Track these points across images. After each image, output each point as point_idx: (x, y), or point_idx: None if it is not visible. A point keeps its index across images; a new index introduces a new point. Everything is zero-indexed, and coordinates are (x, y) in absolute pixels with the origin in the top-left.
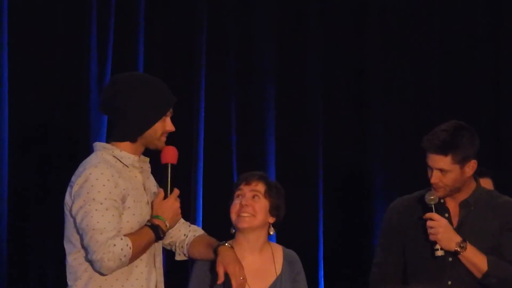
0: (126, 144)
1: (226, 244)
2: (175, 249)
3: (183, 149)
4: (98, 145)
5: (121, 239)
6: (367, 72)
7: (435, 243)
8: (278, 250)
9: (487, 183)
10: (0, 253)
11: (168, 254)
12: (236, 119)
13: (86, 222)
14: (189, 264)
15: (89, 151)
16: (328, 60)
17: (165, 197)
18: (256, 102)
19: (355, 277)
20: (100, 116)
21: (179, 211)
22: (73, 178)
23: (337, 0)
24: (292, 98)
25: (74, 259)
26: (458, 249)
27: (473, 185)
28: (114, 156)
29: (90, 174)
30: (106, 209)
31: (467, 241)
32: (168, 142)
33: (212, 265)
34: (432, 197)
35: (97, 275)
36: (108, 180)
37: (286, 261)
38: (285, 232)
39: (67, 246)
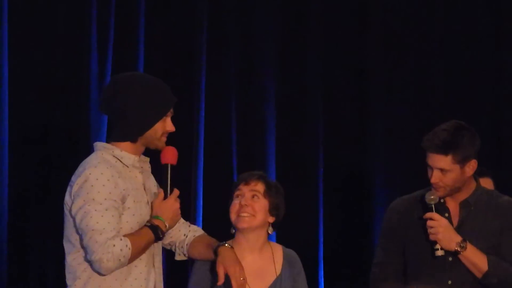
0: (127, 144)
1: (226, 244)
2: (175, 249)
3: (183, 149)
4: (98, 145)
5: (121, 239)
6: (367, 72)
7: (435, 243)
8: (278, 250)
9: (487, 183)
10: (0, 253)
11: (168, 254)
12: (236, 119)
13: (85, 222)
14: (189, 264)
15: (89, 151)
16: (328, 60)
17: (165, 197)
18: (256, 102)
19: (355, 277)
20: (100, 116)
21: (179, 211)
22: (73, 178)
23: (337, 0)
24: (292, 98)
25: (73, 259)
26: (458, 249)
27: (473, 185)
28: (114, 156)
29: (90, 174)
30: (106, 210)
31: (467, 241)
32: (168, 142)
33: (212, 265)
34: (432, 197)
35: (96, 275)
36: (108, 180)
37: (286, 261)
38: (285, 232)
39: (66, 246)
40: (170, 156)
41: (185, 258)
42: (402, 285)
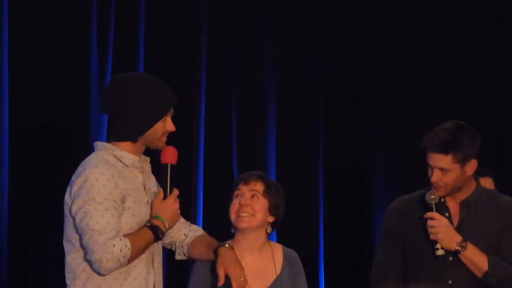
0: (127, 144)
1: (226, 245)
2: (175, 249)
3: (183, 149)
4: (98, 144)
5: (120, 239)
6: (367, 72)
7: (435, 242)
8: (278, 250)
9: (488, 182)
10: (0, 253)
11: (168, 254)
12: (236, 119)
13: (85, 222)
14: (189, 264)
15: (89, 151)
16: (328, 60)
17: (165, 197)
18: (256, 102)
19: (355, 277)
20: (100, 116)
21: (179, 211)
22: (73, 178)
23: (337, 0)
24: (292, 98)
25: (73, 259)
26: (459, 249)
27: (473, 184)
28: (114, 156)
29: (90, 174)
30: (106, 210)
31: (468, 241)
32: (168, 142)
33: (212, 265)
34: (432, 197)
35: (95, 275)
36: (108, 180)
37: (286, 260)
38: (285, 232)
39: (66, 245)
40: (170, 156)
41: (185, 258)
42: (402, 285)
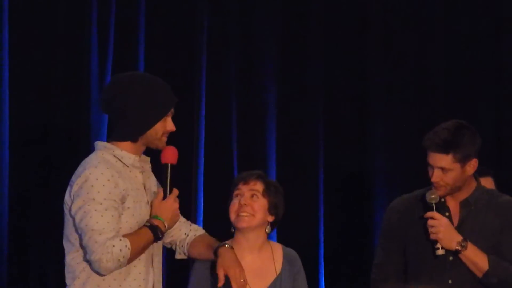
0: (127, 143)
1: (226, 245)
2: (175, 248)
3: (183, 149)
4: (99, 144)
5: (120, 240)
6: (367, 72)
7: (435, 242)
8: (278, 249)
9: (488, 182)
10: (0, 253)
11: (168, 254)
12: (236, 119)
13: (85, 222)
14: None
15: (89, 151)
16: (328, 60)
17: (164, 197)
18: (256, 102)
19: (355, 277)
20: (100, 116)
21: (178, 211)
22: (73, 178)
23: (338, 0)
24: (292, 98)
25: (72, 259)
26: (459, 248)
27: (473, 184)
28: (114, 156)
29: (90, 174)
30: (106, 210)
31: (468, 240)
32: (168, 142)
33: (212, 265)
34: (433, 196)
35: (94, 274)
36: (108, 180)
37: (286, 260)
38: (285, 232)
39: (66, 245)
40: (170, 155)
41: (185, 257)
42: (403, 285)
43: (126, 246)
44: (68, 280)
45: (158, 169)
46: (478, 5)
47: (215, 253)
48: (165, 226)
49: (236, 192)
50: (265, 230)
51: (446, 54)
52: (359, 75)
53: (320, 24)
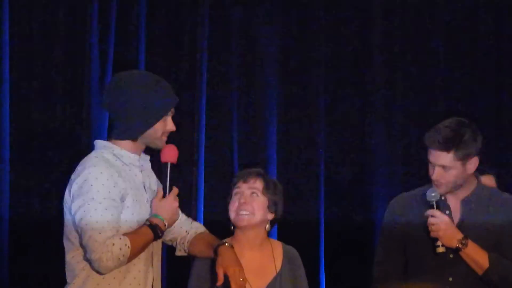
0: (127, 142)
1: (226, 244)
2: (176, 245)
3: (183, 148)
4: (98, 143)
5: (120, 238)
6: (368, 72)
7: (436, 240)
8: (278, 247)
9: (489, 180)
10: (0, 253)
11: (168, 252)
12: (236, 119)
13: (85, 221)
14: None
15: (89, 150)
16: (328, 60)
17: (164, 196)
18: (257, 102)
19: (355, 276)
20: (100, 116)
21: (178, 210)
22: (72, 177)
23: (338, 0)
24: (293, 97)
25: (72, 257)
26: (460, 246)
27: (474, 182)
28: (114, 155)
29: (89, 173)
30: (105, 209)
31: (468, 238)
32: (168, 141)
33: (212, 263)
34: (433, 194)
35: (94, 273)
36: (107, 179)
37: (286, 257)
38: (286, 231)
39: (66, 244)
40: (170, 154)
41: (185, 254)
42: (403, 283)
43: (126, 244)
44: (68, 279)
45: (158, 169)
46: (478, 5)
47: (215, 251)
48: (164, 224)
49: (235, 190)
50: (265, 228)
51: (446, 54)
52: (359, 74)
53: (320, 24)
